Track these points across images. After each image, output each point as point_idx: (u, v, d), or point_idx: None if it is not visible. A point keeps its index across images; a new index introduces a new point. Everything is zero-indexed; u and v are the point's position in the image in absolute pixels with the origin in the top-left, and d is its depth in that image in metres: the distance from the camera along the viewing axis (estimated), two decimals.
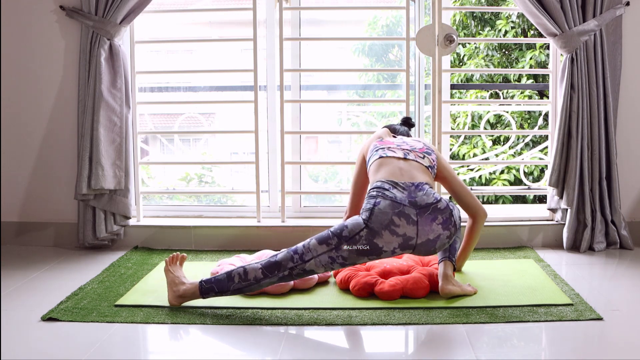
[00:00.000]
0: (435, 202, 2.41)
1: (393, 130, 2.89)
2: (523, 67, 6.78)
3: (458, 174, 4.60)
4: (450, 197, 3.05)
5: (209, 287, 2.39)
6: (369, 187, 2.54)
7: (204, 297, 2.40)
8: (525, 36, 6.91)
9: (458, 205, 2.63)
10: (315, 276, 2.66)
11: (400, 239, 2.36)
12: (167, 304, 2.44)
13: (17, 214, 3.44)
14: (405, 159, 2.60)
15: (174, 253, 2.56)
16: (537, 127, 4.88)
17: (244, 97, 3.87)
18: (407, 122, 2.97)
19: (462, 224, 2.58)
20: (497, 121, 6.60)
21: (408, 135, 2.90)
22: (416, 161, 2.60)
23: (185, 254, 2.57)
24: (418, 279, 2.52)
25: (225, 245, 3.29)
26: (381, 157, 2.62)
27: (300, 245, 2.40)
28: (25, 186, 3.42)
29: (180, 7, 4.38)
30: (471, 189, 3.56)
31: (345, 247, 2.36)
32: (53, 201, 3.41)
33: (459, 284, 2.52)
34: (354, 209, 2.81)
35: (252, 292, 2.43)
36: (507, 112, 5.53)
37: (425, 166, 2.60)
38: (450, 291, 2.47)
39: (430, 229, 2.38)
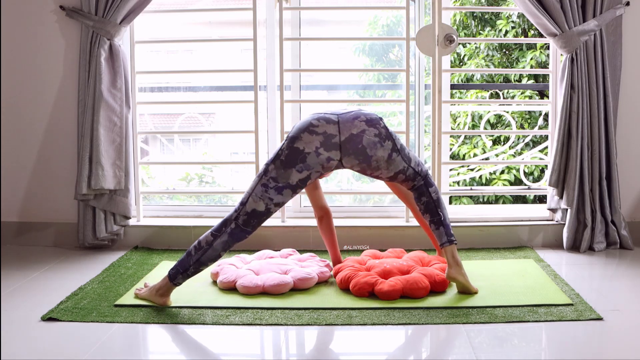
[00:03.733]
0: (359, 110, 2.44)
1: None
2: (523, 67, 6.78)
3: (458, 174, 4.60)
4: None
5: (174, 272, 2.41)
6: None
7: (174, 283, 2.41)
8: (526, 36, 6.91)
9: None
10: (315, 276, 2.66)
11: (321, 137, 2.36)
12: None
13: (17, 214, 3.44)
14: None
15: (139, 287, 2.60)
16: (537, 127, 4.88)
17: (244, 97, 3.87)
18: None
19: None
20: (497, 121, 6.59)
21: None
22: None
23: (147, 282, 2.60)
24: (418, 279, 2.52)
25: None
26: None
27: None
28: (25, 186, 3.42)
29: (180, 7, 4.38)
30: (471, 189, 3.56)
31: (271, 167, 2.38)
32: (53, 201, 3.41)
33: (466, 274, 2.52)
34: None
35: (212, 260, 2.40)
36: (507, 112, 5.53)
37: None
38: (456, 278, 2.47)
39: (352, 124, 2.38)
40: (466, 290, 2.51)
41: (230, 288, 2.61)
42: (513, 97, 6.77)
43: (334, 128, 2.36)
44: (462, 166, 5.47)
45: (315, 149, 2.35)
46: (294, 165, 2.36)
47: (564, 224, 3.22)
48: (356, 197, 4.35)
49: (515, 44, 7.16)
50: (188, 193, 4.41)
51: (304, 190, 2.68)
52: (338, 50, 5.01)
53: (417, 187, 2.54)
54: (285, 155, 2.36)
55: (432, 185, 2.55)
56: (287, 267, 2.73)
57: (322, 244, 3.19)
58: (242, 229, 2.39)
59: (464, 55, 7.17)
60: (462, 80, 7.00)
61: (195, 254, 2.38)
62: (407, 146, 3.14)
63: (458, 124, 6.58)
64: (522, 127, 6.55)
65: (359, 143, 2.37)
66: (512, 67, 7.05)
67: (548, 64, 5.51)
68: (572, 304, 2.39)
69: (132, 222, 3.37)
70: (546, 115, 4.86)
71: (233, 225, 2.38)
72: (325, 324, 2.26)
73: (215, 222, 3.35)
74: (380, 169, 2.45)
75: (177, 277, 2.40)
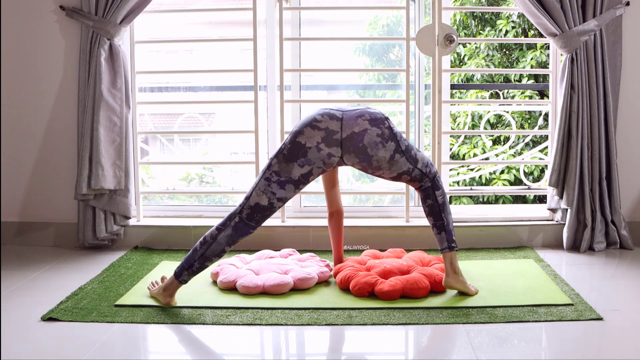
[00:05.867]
0: (366, 108, 2.44)
1: None
2: (524, 67, 6.78)
3: (458, 174, 4.60)
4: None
5: (180, 268, 2.42)
6: None
7: (180, 280, 2.42)
8: (526, 36, 6.91)
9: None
10: (315, 276, 2.66)
11: (323, 132, 2.37)
12: None
13: (17, 214, 3.44)
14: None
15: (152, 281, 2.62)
16: (537, 127, 4.88)
17: (244, 97, 3.88)
18: None
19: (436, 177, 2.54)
20: (498, 121, 6.60)
21: None
22: None
23: (165, 276, 2.62)
24: (418, 279, 2.52)
25: None
26: None
27: None
28: (25, 186, 3.42)
29: (180, 7, 4.38)
30: (471, 189, 3.56)
31: (274, 160, 2.40)
32: (53, 201, 3.41)
33: (464, 280, 2.52)
34: None
35: (217, 255, 2.40)
36: (508, 112, 5.53)
37: None
38: (453, 286, 2.49)
39: (355, 122, 2.38)
40: (465, 294, 2.51)
41: (230, 288, 2.61)
42: (513, 97, 6.77)
43: (337, 124, 2.37)
44: (462, 166, 5.47)
45: (317, 144, 2.36)
46: (295, 160, 2.37)
47: (564, 224, 3.22)
48: (356, 197, 4.35)
49: (515, 44, 7.16)
50: (188, 193, 4.41)
51: (305, 189, 2.68)
52: (338, 50, 5.01)
53: (424, 188, 2.52)
54: (288, 150, 2.38)
55: (440, 188, 2.52)
56: (287, 267, 2.74)
57: (322, 244, 3.20)
58: (246, 223, 2.41)
59: (464, 55, 7.17)
60: (462, 80, 7.00)
61: (201, 248, 2.40)
62: None
63: (458, 124, 6.59)
64: (522, 127, 6.55)
65: (359, 142, 2.36)
66: (512, 67, 7.05)
67: (548, 64, 5.51)
68: (572, 304, 2.39)
69: (132, 222, 3.37)
70: (546, 115, 4.86)
71: (237, 219, 2.40)
72: (325, 324, 2.26)
73: (215, 222, 3.38)
74: (382, 169, 2.43)
75: (182, 273, 2.41)
